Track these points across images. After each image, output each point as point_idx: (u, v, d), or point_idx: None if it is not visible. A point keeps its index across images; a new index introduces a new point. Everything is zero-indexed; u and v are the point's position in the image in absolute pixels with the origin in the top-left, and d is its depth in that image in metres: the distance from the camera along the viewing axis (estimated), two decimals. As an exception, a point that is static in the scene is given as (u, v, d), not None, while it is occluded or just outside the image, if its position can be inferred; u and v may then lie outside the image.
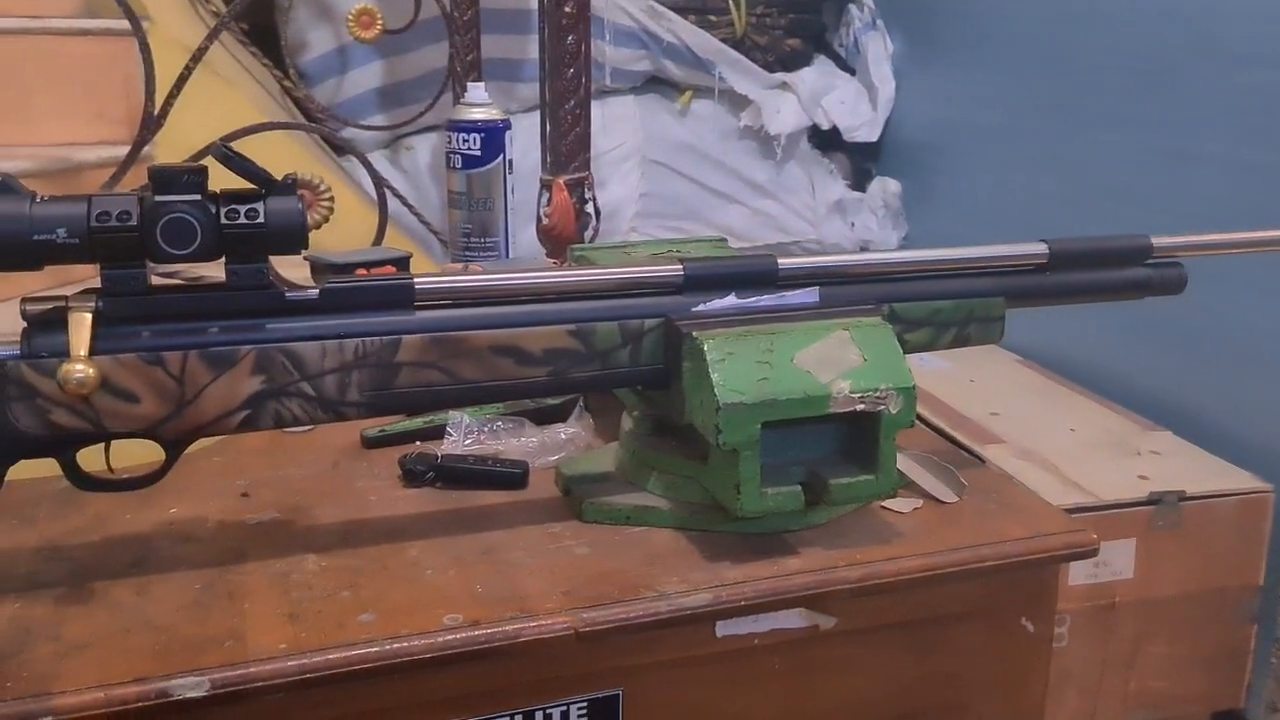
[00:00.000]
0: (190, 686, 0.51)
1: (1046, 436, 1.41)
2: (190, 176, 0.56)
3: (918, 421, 1.55)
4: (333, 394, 0.59)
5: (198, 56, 1.08)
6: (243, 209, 0.56)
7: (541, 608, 0.57)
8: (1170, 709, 1.30)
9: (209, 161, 0.58)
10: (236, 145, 1.20)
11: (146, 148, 1.32)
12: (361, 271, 1.01)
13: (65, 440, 0.56)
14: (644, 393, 0.69)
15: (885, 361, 0.61)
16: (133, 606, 0.57)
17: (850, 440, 0.63)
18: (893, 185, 1.97)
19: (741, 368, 0.60)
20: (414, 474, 0.71)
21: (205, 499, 0.68)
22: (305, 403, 0.59)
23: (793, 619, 0.61)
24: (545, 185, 1.14)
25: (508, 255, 1.07)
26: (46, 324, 0.55)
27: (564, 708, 0.59)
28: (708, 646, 0.60)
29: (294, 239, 0.57)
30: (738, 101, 1.97)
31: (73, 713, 0.49)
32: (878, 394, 0.60)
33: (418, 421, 0.78)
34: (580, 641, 0.57)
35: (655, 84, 1.99)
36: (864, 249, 1.98)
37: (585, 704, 0.59)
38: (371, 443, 0.77)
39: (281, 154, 1.41)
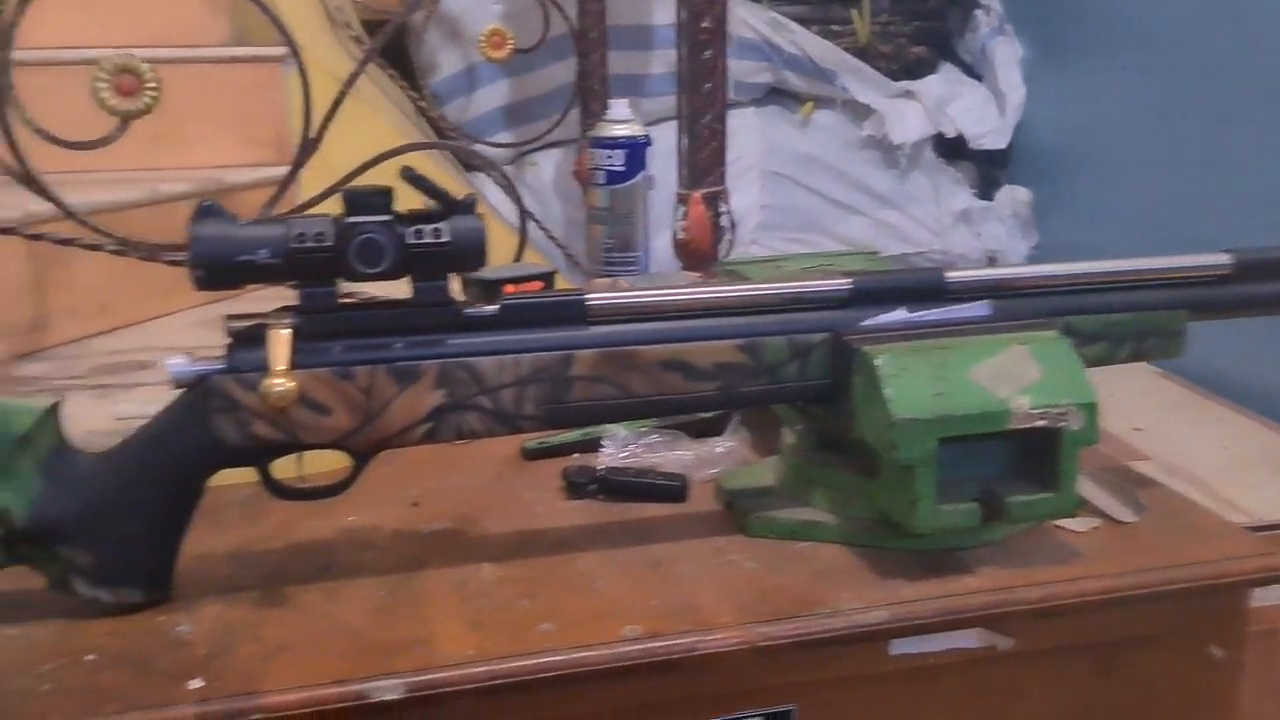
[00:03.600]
0: (387, 689, 0.53)
1: (1196, 453, 1.35)
2: (379, 198, 0.58)
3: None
4: (509, 407, 0.61)
5: (350, 82, 1.12)
6: (428, 228, 0.58)
7: (716, 621, 0.57)
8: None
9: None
10: (384, 167, 1.24)
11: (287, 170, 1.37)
12: (509, 287, 1.03)
13: (263, 450, 0.59)
14: (803, 408, 0.69)
15: (1065, 376, 0.60)
16: (324, 611, 0.59)
17: (1026, 457, 0.62)
18: (1022, 194, 1.92)
19: (915, 383, 0.59)
20: (577, 486, 0.72)
21: (379, 508, 0.71)
22: (483, 416, 0.61)
23: (969, 639, 0.60)
24: (682, 199, 1.14)
25: (647, 269, 1.08)
26: (248, 340, 0.58)
27: (738, 722, 0.59)
28: (881, 665, 0.59)
29: (476, 256, 0.59)
30: (860, 111, 1.95)
31: (278, 711, 0.52)
32: (1059, 410, 0.59)
33: (575, 434, 0.79)
34: (756, 656, 0.57)
35: (776, 95, 1.98)
36: (991, 259, 1.93)
37: (759, 718, 0.59)
38: (532, 454, 0.79)
39: (422, 173, 1.45)
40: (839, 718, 0.61)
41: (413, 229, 0.58)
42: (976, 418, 0.59)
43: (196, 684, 0.52)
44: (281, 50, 1.46)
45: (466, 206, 0.59)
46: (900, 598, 0.59)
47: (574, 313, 0.62)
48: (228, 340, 0.59)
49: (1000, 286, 0.65)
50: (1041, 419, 0.59)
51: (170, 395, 0.59)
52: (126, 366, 1.05)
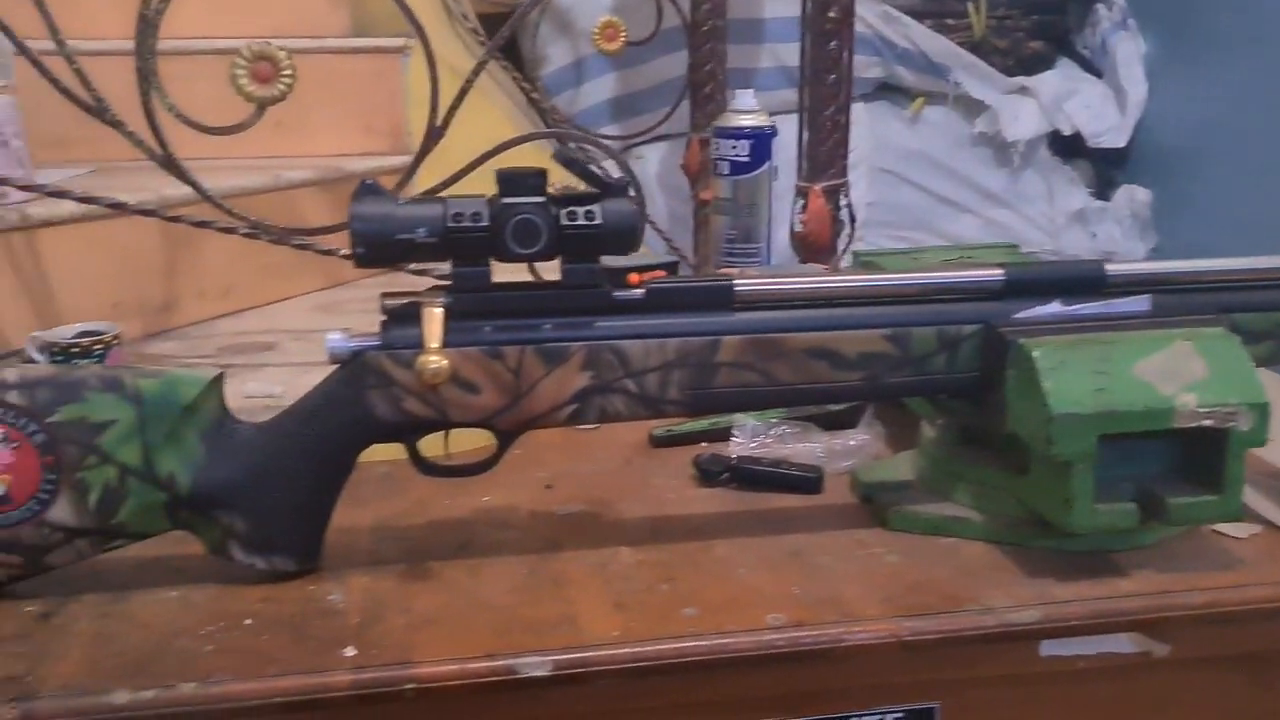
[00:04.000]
0: (535, 665, 0.53)
1: (1332, 466, 1.29)
2: (534, 179, 0.58)
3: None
4: (654, 391, 0.61)
5: (477, 71, 1.13)
6: (581, 210, 0.58)
7: (863, 613, 0.57)
8: None
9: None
10: (506, 157, 1.24)
11: (403, 159, 1.40)
12: (634, 276, 1.03)
13: (414, 427, 0.60)
14: (946, 401, 0.68)
15: (1234, 375, 0.58)
16: (468, 586, 0.60)
17: (1187, 458, 0.59)
18: (1141, 194, 1.86)
19: (1075, 377, 0.57)
20: (709, 474, 0.72)
21: (513, 489, 0.71)
22: (628, 399, 0.61)
23: (1123, 644, 0.58)
24: (801, 192, 1.13)
25: (769, 261, 1.07)
26: (402, 318, 0.59)
27: (880, 717, 0.58)
28: (1030, 666, 0.58)
29: (628, 240, 0.59)
30: (972, 107, 1.91)
31: (430, 682, 0.52)
32: (1227, 409, 0.56)
33: (703, 423, 0.79)
34: (903, 651, 0.56)
35: (885, 91, 1.95)
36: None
37: (902, 714, 0.58)
38: (660, 442, 0.79)
39: (531, 164, 1.47)
40: (985, 718, 0.59)
41: (566, 210, 0.58)
42: (1140, 415, 0.57)
43: (350, 652, 0.54)
44: (400, 41, 1.49)
45: (619, 189, 0.59)
46: (1052, 598, 0.57)
47: (721, 298, 0.62)
48: (382, 318, 0.60)
49: (1162, 281, 0.63)
50: (1208, 418, 0.56)
51: (324, 371, 0.61)
52: (251, 347, 1.08)
